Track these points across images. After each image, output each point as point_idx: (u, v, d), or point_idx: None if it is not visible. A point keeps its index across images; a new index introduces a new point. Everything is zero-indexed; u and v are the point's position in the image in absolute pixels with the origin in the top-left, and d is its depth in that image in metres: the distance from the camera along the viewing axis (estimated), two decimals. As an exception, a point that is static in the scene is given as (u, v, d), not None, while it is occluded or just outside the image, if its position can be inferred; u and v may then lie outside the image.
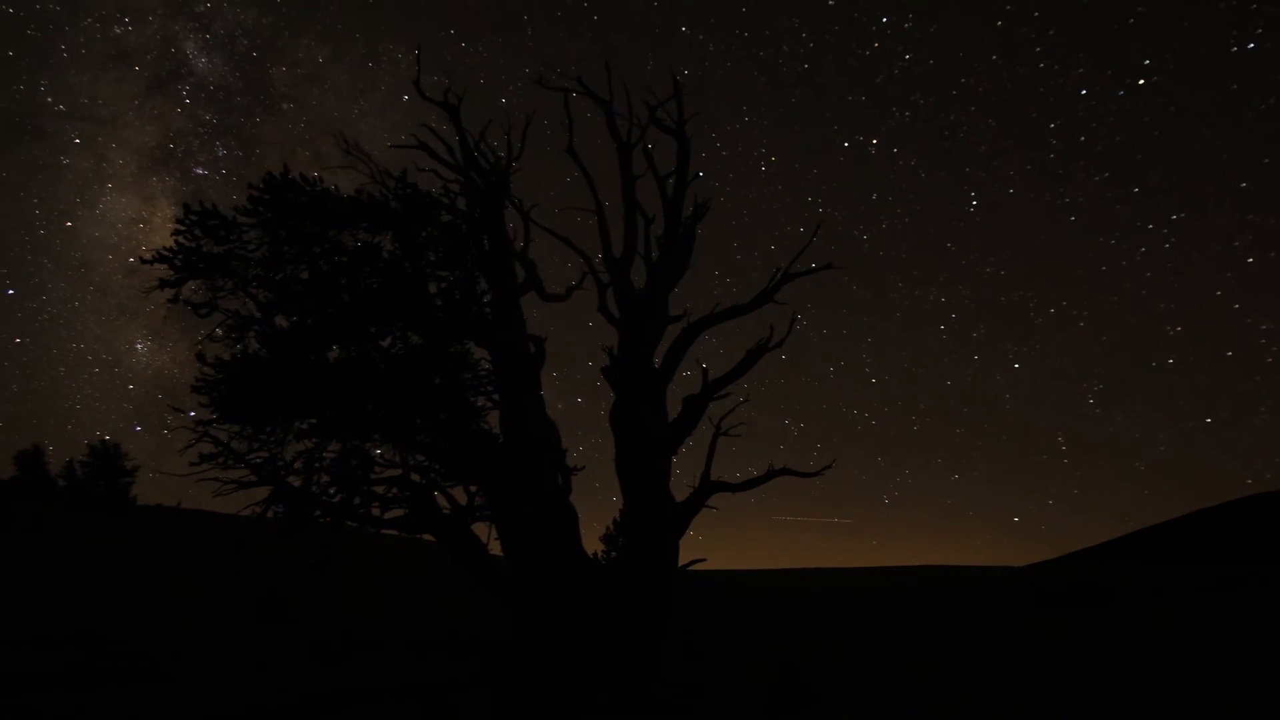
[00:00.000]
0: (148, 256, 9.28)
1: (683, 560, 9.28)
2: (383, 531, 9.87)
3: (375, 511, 9.44)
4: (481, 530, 9.63)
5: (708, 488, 9.27)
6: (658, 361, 9.65)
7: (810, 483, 9.86)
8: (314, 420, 9.38)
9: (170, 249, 9.24)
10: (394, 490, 9.47)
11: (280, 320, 9.48)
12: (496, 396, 9.75)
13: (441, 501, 9.55)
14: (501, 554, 9.36)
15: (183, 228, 9.25)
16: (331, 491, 9.46)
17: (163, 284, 9.35)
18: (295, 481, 9.38)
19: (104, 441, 38.86)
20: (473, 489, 9.66)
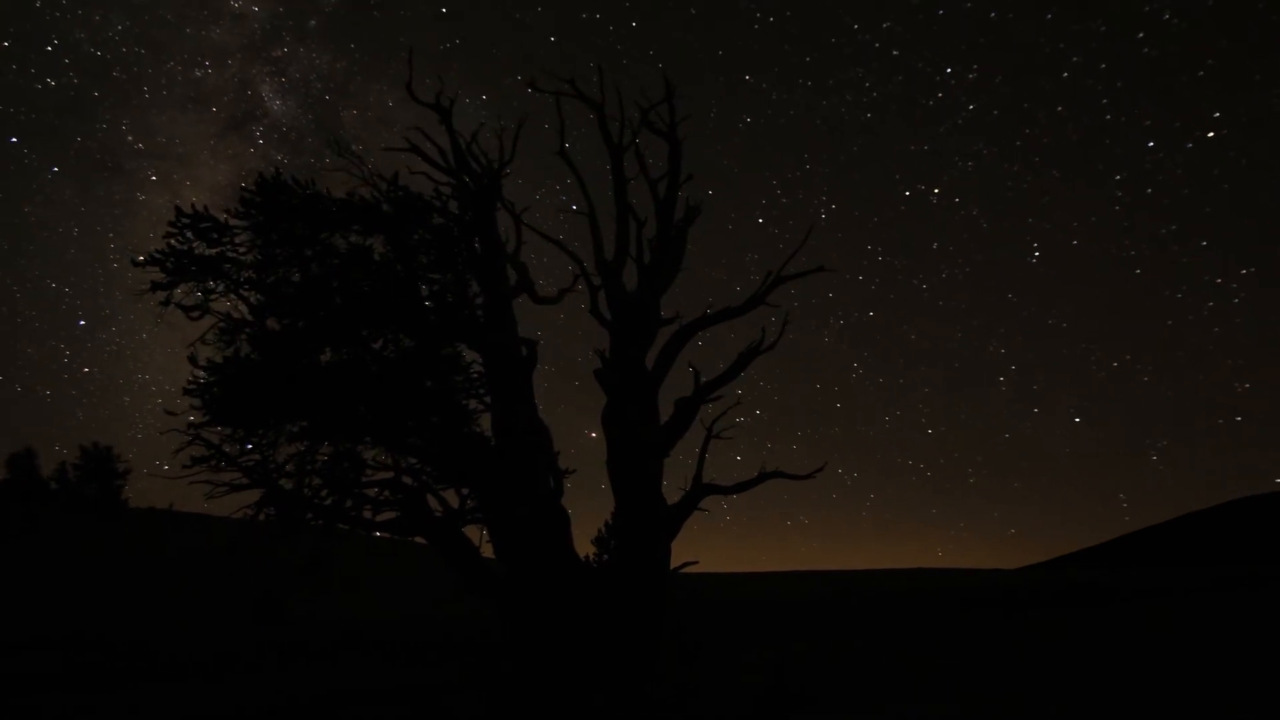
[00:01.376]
0: (140, 259, 9.26)
1: (675, 562, 9.28)
2: (374, 534, 9.87)
3: (367, 514, 9.42)
4: (473, 533, 9.63)
5: (699, 490, 9.28)
6: (649, 364, 9.65)
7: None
8: (305, 423, 9.36)
9: (161, 251, 9.22)
10: (386, 493, 9.45)
11: (272, 323, 9.45)
12: (488, 399, 9.74)
13: (433, 504, 9.54)
14: (493, 556, 9.34)
15: (174, 230, 9.23)
16: (323, 494, 9.44)
17: (154, 287, 9.32)
18: (287, 484, 9.37)
19: (96, 444, 38.79)
20: (464, 492, 9.64)
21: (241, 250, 9.42)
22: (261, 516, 9.39)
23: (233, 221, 9.32)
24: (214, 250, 9.36)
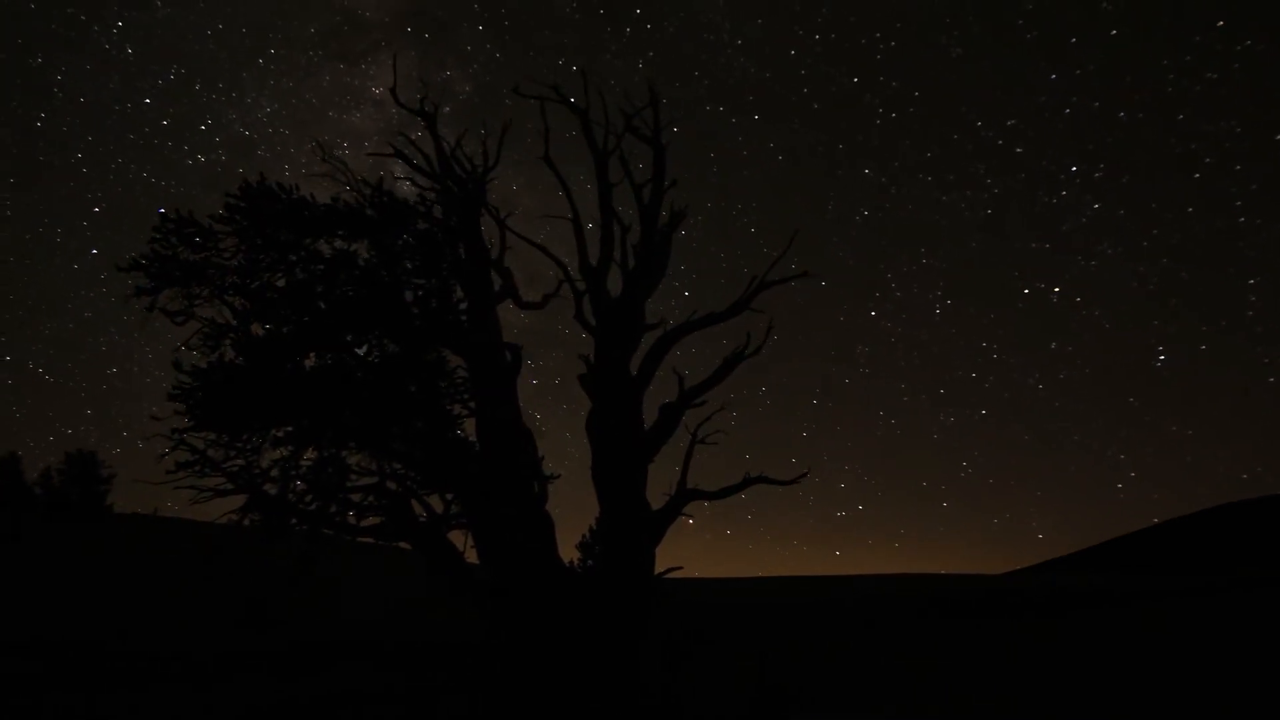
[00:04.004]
0: (124, 264, 9.26)
1: (659, 568, 9.28)
2: (359, 540, 9.88)
3: (351, 519, 9.42)
4: (458, 539, 9.62)
5: (684, 496, 9.28)
6: (634, 369, 9.66)
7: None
8: (290, 428, 9.36)
9: (146, 256, 9.22)
10: (370, 498, 9.45)
11: (256, 328, 9.45)
12: (473, 404, 9.74)
13: (418, 509, 9.54)
14: (478, 561, 9.35)
15: (159, 235, 9.23)
16: (308, 499, 9.44)
17: (139, 291, 9.32)
18: (271, 489, 9.36)
19: (80, 449, 38.68)
20: (449, 496, 9.65)
21: (226, 255, 9.42)
22: (246, 521, 9.39)
23: (217, 227, 9.32)
24: (199, 255, 9.36)
